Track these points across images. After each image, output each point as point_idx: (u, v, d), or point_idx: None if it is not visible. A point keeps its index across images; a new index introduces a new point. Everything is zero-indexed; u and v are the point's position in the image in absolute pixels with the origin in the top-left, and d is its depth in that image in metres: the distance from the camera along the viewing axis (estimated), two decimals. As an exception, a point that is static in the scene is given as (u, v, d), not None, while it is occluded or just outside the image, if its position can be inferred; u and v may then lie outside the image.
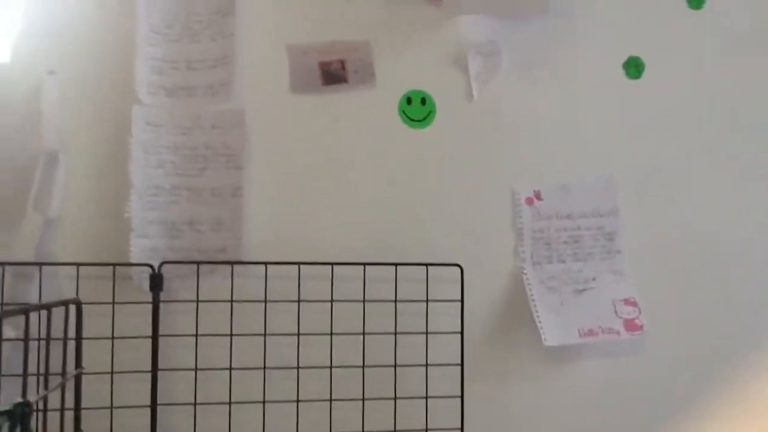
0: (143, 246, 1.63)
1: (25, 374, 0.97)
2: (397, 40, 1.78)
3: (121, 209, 1.62)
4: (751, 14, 1.92)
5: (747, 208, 1.88)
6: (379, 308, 1.65)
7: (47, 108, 1.63)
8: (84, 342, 1.30)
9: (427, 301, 1.67)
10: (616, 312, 1.75)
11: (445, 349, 1.66)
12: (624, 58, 1.86)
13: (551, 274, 1.76)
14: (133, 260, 1.60)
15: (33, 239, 1.58)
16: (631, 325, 1.74)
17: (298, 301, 1.62)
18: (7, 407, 0.86)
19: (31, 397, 0.93)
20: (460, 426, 1.64)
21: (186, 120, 1.68)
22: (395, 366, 1.65)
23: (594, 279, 1.77)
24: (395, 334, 1.65)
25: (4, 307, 1.51)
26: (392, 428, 1.64)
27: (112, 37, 1.68)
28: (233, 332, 1.60)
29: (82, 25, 1.68)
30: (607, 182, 1.82)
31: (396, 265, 1.66)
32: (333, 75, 1.76)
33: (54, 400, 1.15)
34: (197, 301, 1.60)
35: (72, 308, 1.23)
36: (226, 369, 1.59)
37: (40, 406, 1.03)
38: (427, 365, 1.66)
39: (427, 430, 1.64)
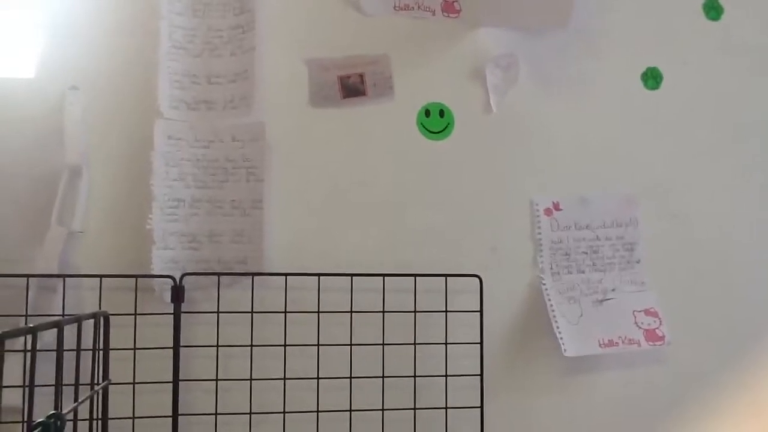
0: (164, 258, 1.65)
1: (58, 385, 0.97)
2: (416, 53, 1.80)
3: (142, 222, 1.63)
4: (769, 26, 1.92)
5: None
6: (399, 319, 1.66)
7: (70, 123, 1.66)
8: (107, 353, 1.31)
9: (446, 311, 1.67)
10: (636, 322, 1.74)
11: (465, 359, 1.66)
12: (642, 69, 1.87)
13: (570, 284, 1.76)
14: (154, 272, 1.62)
15: (56, 252, 1.60)
16: (652, 336, 1.73)
17: (318, 312, 1.62)
18: (41, 419, 0.87)
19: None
20: (480, 436, 1.64)
21: (207, 133, 1.70)
22: (415, 376, 1.65)
23: (614, 289, 1.77)
24: (414, 344, 1.66)
25: (29, 319, 1.52)
26: (412, 439, 1.64)
27: (134, 52, 1.71)
28: (254, 343, 1.61)
29: (104, 41, 1.71)
30: (625, 193, 1.82)
31: (415, 276, 1.66)
32: (352, 88, 1.77)
33: (82, 411, 1.16)
34: (218, 312, 1.61)
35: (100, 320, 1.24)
36: (246, 380, 1.59)
37: (70, 416, 1.03)
38: (446, 376, 1.65)
39: (447, 440, 1.64)
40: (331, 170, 1.75)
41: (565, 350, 1.69)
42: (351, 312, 1.64)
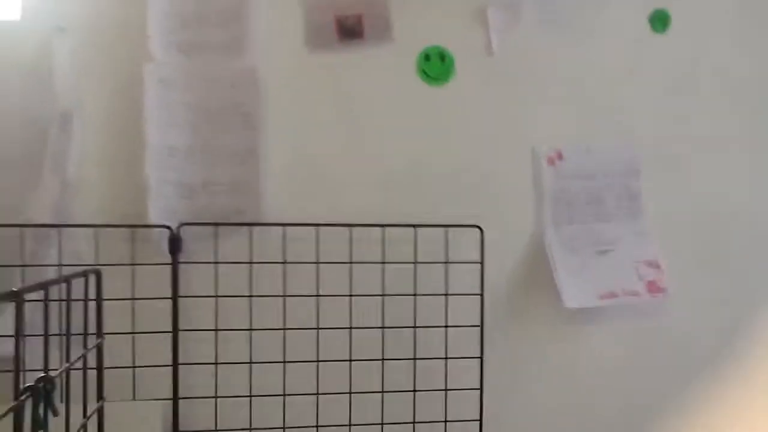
0: (160, 207, 1.61)
1: (46, 348, 0.95)
2: (415, -6, 1.73)
3: (137, 170, 1.59)
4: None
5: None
6: (399, 270, 1.64)
7: (59, 66, 1.60)
8: (104, 304, 1.29)
9: (446, 262, 1.65)
10: (638, 274, 1.73)
11: (465, 310, 1.66)
12: (649, 11, 1.81)
13: (572, 235, 1.74)
14: (151, 222, 1.58)
15: (50, 201, 1.57)
16: (653, 287, 1.72)
17: (317, 262, 1.61)
18: (29, 384, 0.85)
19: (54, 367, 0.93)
20: (479, 386, 1.64)
21: (199, 78, 1.66)
22: (415, 327, 1.65)
23: (616, 240, 1.75)
24: (414, 295, 1.65)
25: (25, 269, 1.50)
26: (412, 389, 1.64)
27: (123, -10, 1.64)
28: (252, 293, 1.59)
29: (91, -22, 1.64)
30: (630, 142, 1.78)
31: (415, 226, 1.64)
32: (349, 30, 1.71)
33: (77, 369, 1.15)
34: (216, 263, 1.59)
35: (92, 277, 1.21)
36: (246, 330, 1.59)
37: (63, 375, 1.02)
38: (446, 327, 1.65)
39: (447, 390, 1.64)
40: (328, 117, 1.71)
41: (565, 301, 1.68)
42: (350, 263, 1.62)
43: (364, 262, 1.63)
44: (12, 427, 0.81)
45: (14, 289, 0.85)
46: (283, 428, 1.60)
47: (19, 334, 0.86)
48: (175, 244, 1.57)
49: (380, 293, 1.64)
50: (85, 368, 1.13)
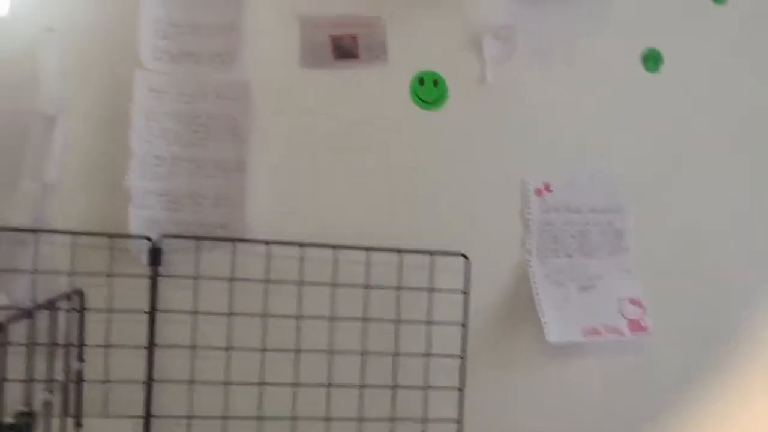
0: (142, 217, 1.58)
1: (30, 380, 0.91)
2: (412, 18, 1.72)
3: (120, 178, 1.55)
4: (776, 13, 1.89)
5: (763, 211, 1.88)
6: (382, 295, 1.62)
7: (45, 68, 1.56)
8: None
9: (430, 290, 1.64)
10: (621, 311, 1.73)
11: (447, 339, 1.64)
12: (642, 50, 1.82)
13: (557, 268, 1.74)
14: (132, 232, 1.54)
15: (29, 205, 1.52)
16: (635, 326, 1.73)
17: (299, 283, 1.58)
18: (11, 421, 0.80)
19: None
20: (458, 417, 1.62)
21: (190, 88, 1.62)
22: (395, 354, 1.63)
23: (600, 276, 1.75)
24: (396, 321, 1.63)
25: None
26: (390, 416, 1.62)
27: (116, -6, 1.60)
28: (232, 311, 1.56)
29: (83, -20, 1.60)
30: (618, 177, 1.79)
31: (400, 251, 1.62)
32: (344, 50, 1.70)
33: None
34: (196, 278, 1.56)
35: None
36: (223, 348, 1.55)
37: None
38: (428, 355, 1.63)
39: (425, 420, 1.62)
40: (318, 134, 1.68)
41: (548, 335, 1.67)
42: (333, 285, 1.60)
43: (346, 285, 1.60)
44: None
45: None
46: (256, 450, 1.57)
47: (4, 362, 0.82)
48: (155, 255, 1.54)
49: (361, 317, 1.61)
50: (66, 394, 1.09)
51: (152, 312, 1.53)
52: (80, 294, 1.14)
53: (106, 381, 1.50)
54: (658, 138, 1.83)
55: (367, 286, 1.61)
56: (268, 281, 1.58)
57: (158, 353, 1.53)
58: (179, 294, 1.56)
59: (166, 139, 1.61)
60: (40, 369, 1.06)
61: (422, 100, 1.73)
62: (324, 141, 1.68)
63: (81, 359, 1.15)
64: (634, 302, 1.74)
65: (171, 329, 1.56)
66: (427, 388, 1.63)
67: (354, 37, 1.70)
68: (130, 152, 1.56)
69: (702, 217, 1.85)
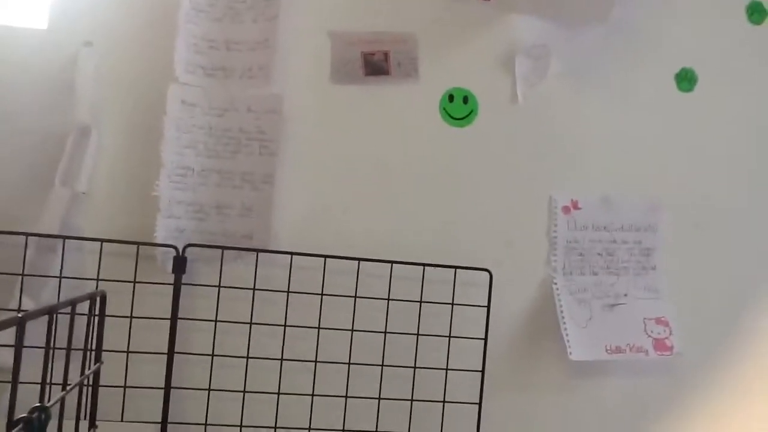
0: (169, 226, 1.61)
1: (44, 382, 0.92)
2: (444, 35, 1.74)
3: (149, 188, 1.59)
4: (814, 32, 1.85)
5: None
6: (404, 308, 1.62)
7: (82, 80, 1.61)
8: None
9: (452, 304, 1.63)
10: (646, 330, 1.70)
11: (468, 354, 1.62)
12: (677, 70, 1.80)
13: (582, 286, 1.71)
14: (158, 240, 1.57)
15: (59, 212, 1.56)
16: (660, 346, 1.69)
17: (321, 294, 1.59)
18: (24, 415, 0.81)
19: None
20: (476, 433, 1.61)
21: (222, 101, 1.65)
22: (415, 367, 1.61)
23: (626, 294, 1.72)
24: (417, 335, 1.62)
25: (25, 279, 1.49)
26: (407, 430, 1.60)
27: (153, 11, 1.65)
28: (253, 321, 1.57)
29: (122, -4, 1.65)
30: (648, 197, 1.77)
31: (424, 265, 1.62)
32: (375, 66, 1.72)
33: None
34: (219, 287, 1.57)
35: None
36: (243, 357, 1.56)
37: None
38: (447, 369, 1.62)
39: (442, 435, 1.61)
40: (347, 150, 1.70)
41: (570, 353, 1.65)
42: (355, 297, 1.60)
43: (369, 297, 1.60)
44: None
45: (19, 315, 0.83)
46: (273, 461, 1.56)
47: (19, 359, 0.83)
48: (179, 264, 1.56)
49: (383, 330, 1.61)
50: (80, 395, 1.10)
51: (174, 319, 1.54)
52: (102, 296, 1.15)
53: (125, 386, 1.52)
54: (690, 157, 1.80)
55: (389, 299, 1.61)
56: (290, 292, 1.58)
57: (178, 361, 1.55)
58: (202, 302, 1.58)
59: (196, 151, 1.64)
60: (59, 370, 1.06)
61: (451, 117, 1.73)
62: (352, 156, 1.70)
63: (98, 360, 1.16)
64: (660, 322, 1.71)
65: (192, 337, 1.58)
66: (445, 402, 1.61)
67: (386, 54, 1.72)
68: (160, 163, 1.59)
69: (735, 236, 1.81)
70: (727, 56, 1.83)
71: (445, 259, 1.64)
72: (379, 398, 1.60)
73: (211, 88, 1.65)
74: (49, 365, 0.95)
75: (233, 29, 1.68)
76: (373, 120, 1.71)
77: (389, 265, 1.61)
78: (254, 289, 1.58)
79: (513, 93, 1.75)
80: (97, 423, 1.20)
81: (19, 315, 0.82)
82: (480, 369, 1.62)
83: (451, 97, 1.73)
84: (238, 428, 1.55)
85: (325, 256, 1.59)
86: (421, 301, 1.62)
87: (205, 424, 1.55)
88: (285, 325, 1.58)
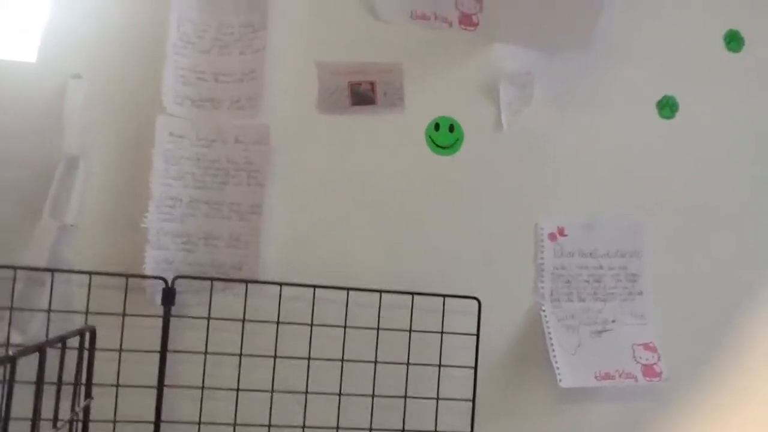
0: (158, 258, 1.60)
1: (35, 418, 0.91)
2: (429, 65, 1.76)
3: (138, 219, 1.58)
4: (791, 60, 1.89)
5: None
6: (393, 337, 1.62)
7: (70, 112, 1.61)
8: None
9: (442, 332, 1.63)
10: (634, 356, 1.71)
11: (458, 383, 1.63)
12: (659, 97, 1.83)
13: (570, 312, 1.72)
14: (147, 272, 1.57)
15: (47, 244, 1.55)
16: (649, 371, 1.70)
17: (311, 324, 1.59)
18: None
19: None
20: (467, 463, 1.60)
21: (210, 132, 1.66)
22: (405, 397, 1.61)
23: (614, 321, 1.74)
24: (407, 364, 1.62)
25: (14, 312, 1.48)
26: (398, 461, 1.60)
27: (141, 43, 1.66)
28: (243, 352, 1.57)
29: (111, 29, 1.66)
30: (632, 222, 1.79)
31: (413, 294, 1.62)
32: (362, 96, 1.73)
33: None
34: (209, 318, 1.57)
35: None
36: (233, 390, 1.55)
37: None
38: (438, 399, 1.62)
39: (434, 465, 1.60)
40: (334, 179, 1.71)
41: (560, 380, 1.65)
42: (345, 327, 1.60)
43: (358, 327, 1.60)
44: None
45: (10, 354, 0.82)
46: (264, 493, 1.55)
47: (10, 396, 0.83)
48: (168, 296, 1.55)
49: (373, 359, 1.61)
50: (71, 430, 1.09)
51: (163, 352, 1.53)
52: (92, 331, 1.15)
53: (115, 421, 1.51)
54: (672, 182, 1.83)
55: (378, 329, 1.61)
56: (279, 323, 1.58)
57: (168, 393, 1.54)
58: (191, 334, 1.58)
59: (185, 182, 1.64)
60: (48, 406, 1.06)
61: (437, 145, 1.75)
62: (340, 185, 1.71)
63: (89, 396, 1.16)
64: (648, 348, 1.72)
65: (182, 369, 1.57)
66: (437, 432, 1.61)
67: (372, 83, 1.73)
68: (148, 194, 1.59)
69: (718, 261, 1.83)
70: (707, 84, 1.86)
71: (432, 286, 1.65)
72: (371, 429, 1.59)
73: (199, 119, 1.66)
74: (41, 401, 0.94)
75: (221, 61, 1.69)
76: (360, 149, 1.73)
77: (378, 294, 1.61)
78: (244, 320, 1.58)
79: (498, 121, 1.77)
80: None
81: (11, 354, 0.82)
82: (470, 398, 1.62)
83: (437, 126, 1.75)
84: (229, 461, 1.54)
85: (315, 286, 1.59)
86: (410, 330, 1.62)
87: (196, 458, 1.54)
88: (275, 356, 1.58)
